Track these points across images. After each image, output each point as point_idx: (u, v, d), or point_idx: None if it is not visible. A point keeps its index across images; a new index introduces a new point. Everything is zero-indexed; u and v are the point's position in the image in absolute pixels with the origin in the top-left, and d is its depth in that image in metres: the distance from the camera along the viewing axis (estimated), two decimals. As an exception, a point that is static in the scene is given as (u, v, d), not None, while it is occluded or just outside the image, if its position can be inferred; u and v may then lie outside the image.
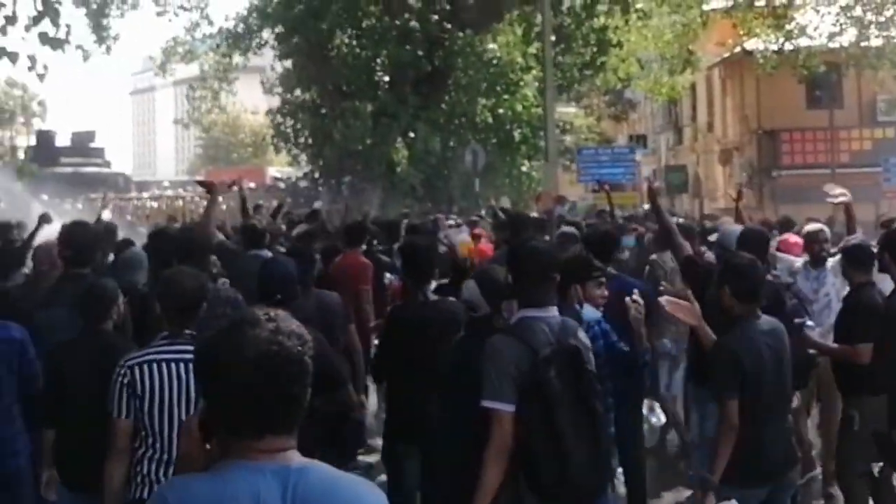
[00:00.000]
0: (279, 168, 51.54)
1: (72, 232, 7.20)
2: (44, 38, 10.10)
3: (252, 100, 47.08)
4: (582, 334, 4.89)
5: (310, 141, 30.57)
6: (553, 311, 4.77)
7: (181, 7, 33.82)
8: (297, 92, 31.42)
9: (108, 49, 32.65)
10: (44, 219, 9.21)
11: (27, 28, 10.14)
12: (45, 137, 51.84)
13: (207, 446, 2.41)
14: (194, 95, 35.39)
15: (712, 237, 8.49)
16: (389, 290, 9.02)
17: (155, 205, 37.26)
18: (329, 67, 28.66)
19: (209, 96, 34.17)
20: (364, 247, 10.39)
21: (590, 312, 5.97)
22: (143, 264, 7.79)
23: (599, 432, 4.63)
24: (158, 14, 34.03)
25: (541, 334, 4.59)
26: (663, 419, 9.61)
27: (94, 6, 32.35)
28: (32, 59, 10.46)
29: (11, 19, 10.17)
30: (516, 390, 4.49)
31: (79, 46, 10.61)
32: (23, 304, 6.81)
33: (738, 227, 8.14)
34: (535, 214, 16.65)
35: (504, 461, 4.53)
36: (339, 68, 28.30)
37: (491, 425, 4.56)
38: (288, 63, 31.07)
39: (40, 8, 10.12)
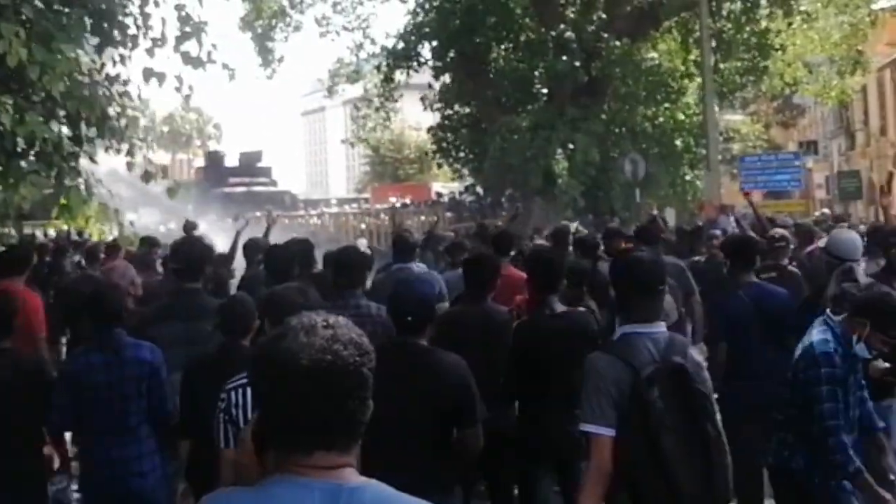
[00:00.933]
0: (444, 183, 51.98)
1: (180, 246, 7.32)
2: (186, 58, 10.41)
3: (416, 116, 47.68)
4: (694, 351, 4.42)
5: (469, 156, 30.77)
6: (660, 327, 4.35)
7: (343, 27, 34.78)
8: (456, 107, 31.72)
9: (273, 72, 33.91)
10: (188, 226, 9.40)
11: (175, 49, 10.48)
12: (214, 158, 53.77)
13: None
14: (359, 114, 36.05)
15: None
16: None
17: (318, 221, 38.18)
18: (487, 81, 28.82)
19: (373, 115, 34.76)
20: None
21: (861, 350, 5.28)
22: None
23: (712, 458, 4.16)
24: (321, 35, 35.11)
25: (644, 352, 4.19)
26: None
27: (259, 31, 33.58)
28: (179, 79, 10.79)
29: (158, 41, 10.54)
30: (617, 413, 4.14)
31: (225, 66, 10.79)
32: (130, 320, 6.73)
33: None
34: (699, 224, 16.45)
35: (602, 489, 4.20)
36: (496, 82, 28.42)
37: (590, 450, 4.25)
38: (446, 78, 31.34)
39: (187, 29, 10.45)
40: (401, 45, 30.66)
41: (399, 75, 32.01)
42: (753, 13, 27.40)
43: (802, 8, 28.65)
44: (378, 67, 32.34)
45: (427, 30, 29.16)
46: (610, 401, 4.15)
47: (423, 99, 32.79)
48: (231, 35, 32.52)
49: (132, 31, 10.71)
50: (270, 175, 51.58)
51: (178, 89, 10.48)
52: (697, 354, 4.45)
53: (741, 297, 7.18)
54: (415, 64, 31.13)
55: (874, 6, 29.63)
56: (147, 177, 10.73)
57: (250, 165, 50.68)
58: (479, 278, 6.93)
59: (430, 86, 32.39)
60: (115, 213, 11.16)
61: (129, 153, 10.59)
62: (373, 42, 33.48)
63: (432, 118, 35.19)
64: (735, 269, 7.59)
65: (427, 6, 29.47)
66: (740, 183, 27.13)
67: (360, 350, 2.18)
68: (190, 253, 7.13)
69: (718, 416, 4.35)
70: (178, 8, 10.66)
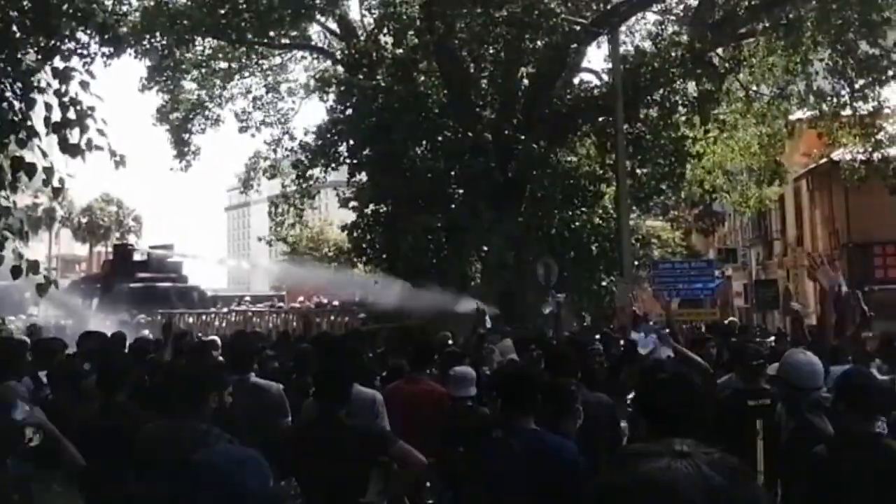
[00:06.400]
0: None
1: None
2: (63, 146, 9.63)
3: (338, 214, 47.00)
4: None
5: (383, 255, 30.12)
6: None
7: (263, 122, 34.36)
8: (372, 206, 31.16)
9: (188, 164, 33.24)
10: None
11: (47, 133, 9.74)
12: (122, 252, 51.79)
13: None
14: (276, 212, 35.38)
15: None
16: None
17: (229, 319, 37.06)
18: (402, 180, 28.30)
19: (291, 212, 34.08)
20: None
21: None
22: None
23: None
24: (240, 130, 34.61)
25: None
26: None
27: (176, 123, 32.95)
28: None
29: (32, 129, 9.81)
30: None
31: (113, 153, 9.93)
32: None
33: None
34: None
35: None
36: (412, 181, 27.94)
37: None
38: (363, 176, 30.83)
39: (70, 115, 9.70)
40: (318, 141, 30.12)
41: (316, 172, 31.43)
42: (670, 119, 27.30)
43: (722, 117, 28.73)
44: (295, 164, 31.75)
45: (342, 127, 28.60)
46: None
47: (338, 196, 32.29)
48: (149, 127, 31.91)
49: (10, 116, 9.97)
50: (181, 270, 49.69)
51: (45, 182, 9.63)
52: None
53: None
54: (331, 160, 30.53)
55: (791, 117, 29.84)
56: (16, 272, 9.78)
57: (160, 260, 48.73)
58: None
59: (348, 182, 31.82)
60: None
61: (-6, 246, 9.67)
62: (291, 138, 33.12)
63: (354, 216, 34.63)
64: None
65: (345, 103, 28.98)
66: (653, 290, 26.85)
67: None
68: None
69: None
70: (59, 94, 9.93)
